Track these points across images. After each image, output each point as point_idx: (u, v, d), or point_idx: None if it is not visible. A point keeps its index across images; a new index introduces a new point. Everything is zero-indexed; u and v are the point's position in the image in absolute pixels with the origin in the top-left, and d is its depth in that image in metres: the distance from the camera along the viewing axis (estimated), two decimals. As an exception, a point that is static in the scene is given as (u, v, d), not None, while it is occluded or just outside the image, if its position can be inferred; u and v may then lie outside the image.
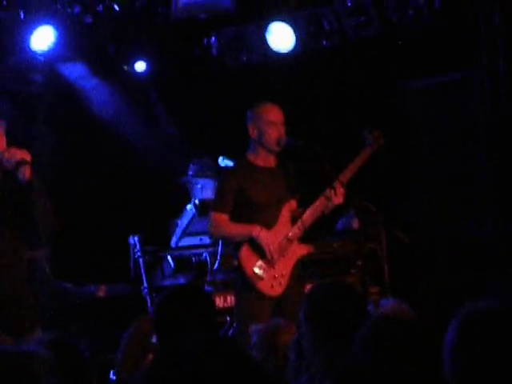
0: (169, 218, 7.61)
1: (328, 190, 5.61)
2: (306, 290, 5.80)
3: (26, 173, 4.54)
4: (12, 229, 4.64)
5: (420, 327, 2.70)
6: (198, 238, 7.27)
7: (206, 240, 7.04)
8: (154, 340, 3.73)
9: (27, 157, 4.57)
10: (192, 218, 7.26)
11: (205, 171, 7.37)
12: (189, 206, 7.34)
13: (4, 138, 4.64)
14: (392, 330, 2.60)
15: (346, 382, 2.38)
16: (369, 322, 2.65)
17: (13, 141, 4.80)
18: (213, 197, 6.13)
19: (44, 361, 2.86)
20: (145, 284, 6.86)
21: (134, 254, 6.97)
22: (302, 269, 5.75)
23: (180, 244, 7.41)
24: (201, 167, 7.42)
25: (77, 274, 7.34)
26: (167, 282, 7.12)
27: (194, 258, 7.14)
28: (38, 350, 2.91)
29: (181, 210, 7.49)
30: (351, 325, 2.93)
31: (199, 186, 7.33)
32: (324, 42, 7.66)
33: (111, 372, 4.09)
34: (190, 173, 7.45)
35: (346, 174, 5.69)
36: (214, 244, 6.62)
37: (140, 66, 8.25)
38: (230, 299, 6.44)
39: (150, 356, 3.86)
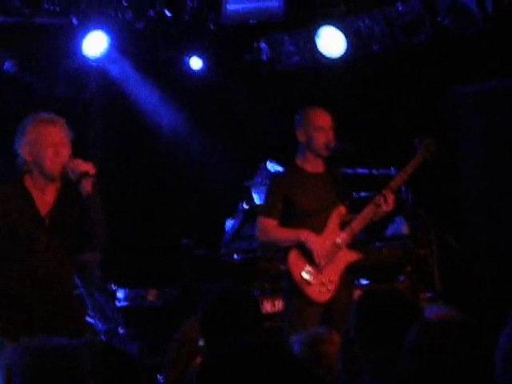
0: (219, 222, 7.63)
1: (378, 197, 5.58)
2: (354, 297, 5.79)
3: (88, 186, 4.60)
4: (67, 236, 4.70)
5: (468, 331, 2.67)
6: (248, 242, 7.27)
7: (256, 244, 7.04)
8: (201, 343, 3.74)
9: (91, 170, 4.62)
10: (242, 222, 7.26)
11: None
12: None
13: (69, 148, 4.69)
14: (439, 336, 2.58)
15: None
16: (416, 329, 2.63)
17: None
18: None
19: (90, 358, 2.92)
20: (194, 288, 6.89)
21: (185, 257, 7.00)
22: (350, 275, 5.72)
23: (230, 248, 7.42)
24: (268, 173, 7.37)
25: (127, 278, 7.40)
26: (216, 286, 7.13)
27: (243, 262, 7.15)
28: (86, 346, 2.97)
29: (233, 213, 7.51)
30: (402, 332, 2.91)
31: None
32: (374, 47, 7.63)
33: (159, 376, 4.11)
34: (259, 179, 7.39)
35: (397, 181, 5.66)
36: (262, 249, 6.62)
37: (196, 64, 8.21)
38: (279, 304, 6.43)
39: (198, 359, 3.88)
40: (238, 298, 3.57)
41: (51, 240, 4.62)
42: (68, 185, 4.70)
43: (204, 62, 8.24)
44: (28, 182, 4.67)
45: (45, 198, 4.69)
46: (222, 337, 3.36)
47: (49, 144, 4.58)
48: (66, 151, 4.62)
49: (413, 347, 2.58)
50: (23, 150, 4.63)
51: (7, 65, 7.29)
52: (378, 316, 3.16)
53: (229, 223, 7.47)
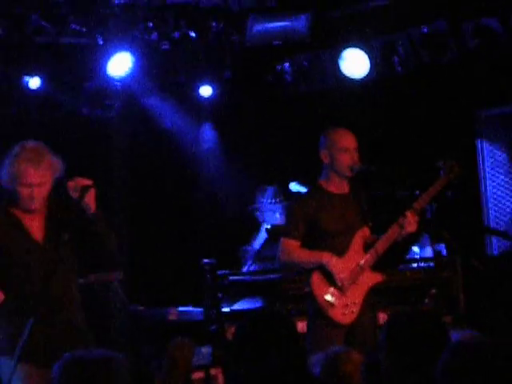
0: (239, 243, 7.63)
1: (401, 218, 5.55)
2: (378, 318, 5.75)
3: (91, 199, 4.54)
4: (64, 258, 4.66)
5: (500, 353, 2.63)
6: (270, 263, 7.25)
7: (277, 265, 7.01)
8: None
9: (90, 182, 4.59)
10: (264, 244, 7.25)
11: (279, 197, 7.38)
12: (261, 233, 7.34)
13: (49, 184, 4.66)
14: (472, 358, 2.55)
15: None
16: (448, 351, 2.60)
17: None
18: (283, 222, 6.12)
19: (120, 364, 2.91)
20: (214, 308, 6.87)
21: (206, 277, 6.99)
22: (374, 297, 5.68)
23: (252, 269, 7.41)
24: (274, 193, 7.42)
25: (149, 298, 7.40)
26: (237, 307, 7.11)
27: (265, 283, 7.12)
28: (114, 354, 2.96)
29: (251, 236, 7.51)
30: (433, 354, 2.88)
31: (277, 213, 7.33)
32: (399, 69, 7.61)
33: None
34: (265, 200, 7.43)
35: (420, 203, 5.63)
36: (283, 270, 6.59)
37: (206, 91, 8.27)
38: (301, 326, 6.39)
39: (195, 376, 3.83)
40: (275, 320, 3.54)
41: (48, 264, 4.57)
42: (55, 208, 4.70)
43: (225, 84, 8.26)
44: (16, 210, 4.67)
45: (34, 223, 4.68)
46: (258, 359, 3.32)
47: (25, 184, 4.57)
48: (43, 190, 4.61)
49: (445, 369, 2.55)
50: (2, 180, 4.63)
51: (33, 83, 7.34)
52: (407, 339, 3.13)
53: (249, 246, 7.47)
